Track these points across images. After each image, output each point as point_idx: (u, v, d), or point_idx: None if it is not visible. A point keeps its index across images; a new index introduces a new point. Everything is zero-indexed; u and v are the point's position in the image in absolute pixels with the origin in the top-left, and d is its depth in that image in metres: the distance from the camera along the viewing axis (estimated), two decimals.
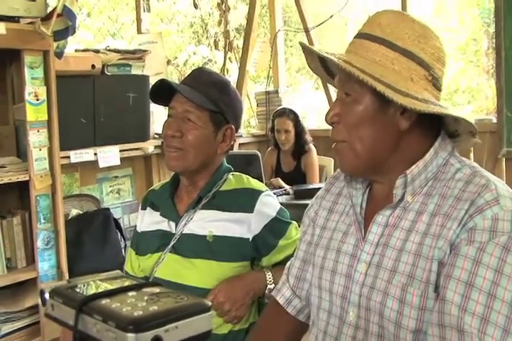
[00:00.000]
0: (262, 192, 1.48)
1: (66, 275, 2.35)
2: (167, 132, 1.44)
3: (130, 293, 0.57)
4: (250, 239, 1.43)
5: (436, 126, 1.04)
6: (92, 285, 0.61)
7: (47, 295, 0.60)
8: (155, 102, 1.54)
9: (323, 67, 1.14)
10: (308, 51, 1.09)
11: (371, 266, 1.01)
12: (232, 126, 1.50)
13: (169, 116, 1.47)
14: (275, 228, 1.46)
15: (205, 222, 1.45)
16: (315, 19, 4.41)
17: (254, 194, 1.47)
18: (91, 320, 0.54)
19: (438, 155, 1.01)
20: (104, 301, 0.56)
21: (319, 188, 1.26)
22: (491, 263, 0.87)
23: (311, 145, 3.83)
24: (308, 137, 3.84)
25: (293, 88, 5.77)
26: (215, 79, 1.50)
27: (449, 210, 0.94)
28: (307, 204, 1.25)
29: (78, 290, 0.60)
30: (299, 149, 3.82)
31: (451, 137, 1.06)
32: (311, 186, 3.46)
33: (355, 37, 1.07)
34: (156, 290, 0.59)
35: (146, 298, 0.56)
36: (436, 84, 1.03)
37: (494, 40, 3.19)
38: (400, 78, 0.98)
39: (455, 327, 0.86)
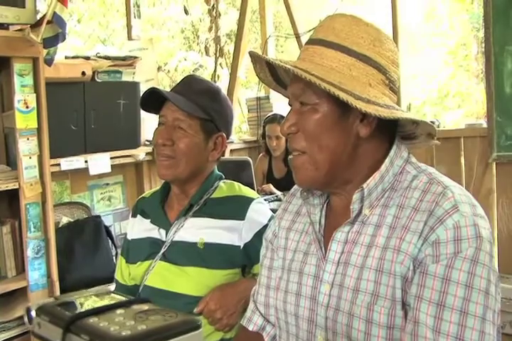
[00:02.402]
0: (254, 199, 1.48)
1: (57, 284, 2.32)
2: (158, 140, 1.43)
3: (118, 311, 0.56)
4: (241, 247, 1.42)
5: (391, 130, 1.01)
6: (79, 302, 0.60)
7: (33, 313, 0.59)
8: (145, 110, 1.53)
9: (272, 76, 1.09)
10: (257, 59, 1.04)
11: (334, 286, 0.97)
12: (223, 134, 1.49)
13: (160, 124, 1.47)
14: None
15: (196, 230, 1.44)
16: (306, 25, 4.41)
17: (246, 201, 1.46)
18: (78, 339, 0.53)
19: (394, 164, 0.98)
20: (92, 320, 0.54)
21: None
22: (460, 279, 0.84)
23: None
24: None
25: None
26: (206, 87, 1.49)
27: (408, 222, 0.91)
28: None
29: (65, 308, 0.59)
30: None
31: (407, 139, 1.04)
32: None
33: (307, 43, 1.02)
34: (145, 307, 0.57)
35: (134, 315, 0.55)
36: (392, 87, 1.01)
37: (483, 45, 3.20)
38: (359, 84, 0.95)
39: None
